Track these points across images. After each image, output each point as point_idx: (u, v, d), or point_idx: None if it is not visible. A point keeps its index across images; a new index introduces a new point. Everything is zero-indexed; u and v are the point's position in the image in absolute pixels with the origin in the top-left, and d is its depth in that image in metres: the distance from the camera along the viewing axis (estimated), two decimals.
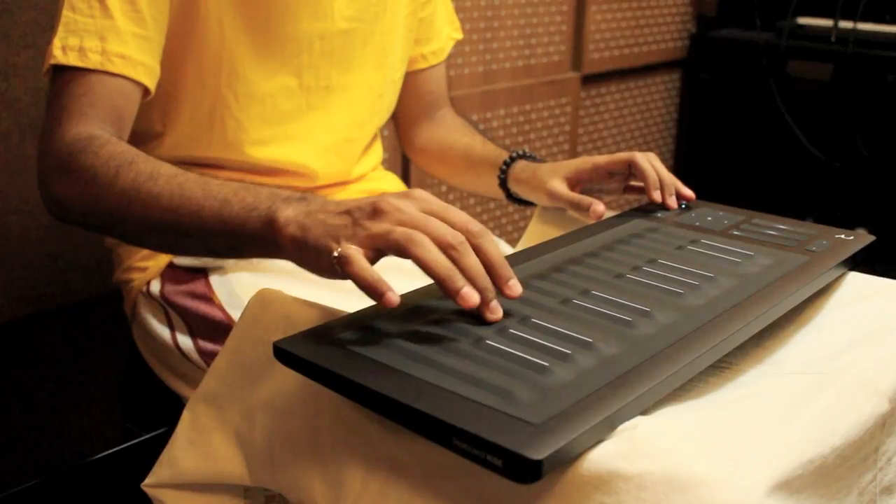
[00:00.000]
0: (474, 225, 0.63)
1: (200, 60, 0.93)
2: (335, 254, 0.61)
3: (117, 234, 0.81)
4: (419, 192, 0.64)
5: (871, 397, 0.59)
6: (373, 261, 0.61)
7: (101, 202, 0.76)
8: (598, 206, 0.91)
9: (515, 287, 0.63)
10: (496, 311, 0.62)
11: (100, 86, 0.82)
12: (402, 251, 0.60)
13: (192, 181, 0.74)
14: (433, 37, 1.16)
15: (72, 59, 0.82)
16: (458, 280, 0.59)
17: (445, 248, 0.60)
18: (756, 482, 0.49)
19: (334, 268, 0.61)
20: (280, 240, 0.66)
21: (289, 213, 0.65)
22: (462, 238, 0.61)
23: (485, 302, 0.61)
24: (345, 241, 0.61)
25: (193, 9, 0.90)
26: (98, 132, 0.80)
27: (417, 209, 0.62)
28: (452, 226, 0.62)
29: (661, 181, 0.92)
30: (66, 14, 0.83)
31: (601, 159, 0.95)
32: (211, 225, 0.71)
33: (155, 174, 0.75)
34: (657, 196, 0.91)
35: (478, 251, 0.62)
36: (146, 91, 0.87)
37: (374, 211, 0.62)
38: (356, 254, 0.60)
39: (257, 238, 0.68)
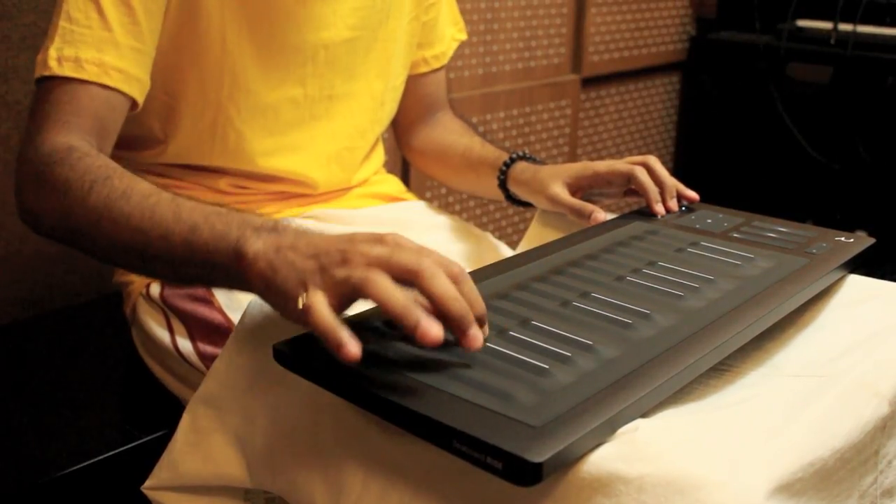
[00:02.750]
0: (452, 264, 0.58)
1: (202, 73, 0.93)
2: (299, 305, 0.57)
3: (86, 251, 0.77)
4: (391, 236, 0.60)
5: (872, 400, 0.59)
6: (339, 308, 0.58)
7: (71, 217, 0.74)
8: (599, 214, 0.91)
9: (485, 332, 0.57)
10: (475, 339, 0.56)
11: (85, 95, 0.80)
12: (361, 293, 0.56)
13: (165, 202, 0.70)
14: (436, 41, 1.15)
15: (67, 70, 0.80)
16: (413, 314, 0.54)
17: (411, 277, 0.56)
18: (756, 485, 0.49)
19: (300, 317, 0.58)
20: (248, 276, 0.62)
21: (258, 247, 0.62)
22: (430, 263, 0.57)
23: (461, 329, 0.56)
24: (312, 288, 0.58)
25: (194, 22, 0.90)
26: (78, 143, 0.78)
27: (386, 251, 0.58)
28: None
29: (662, 184, 0.92)
30: (62, 25, 0.81)
31: (601, 168, 0.95)
32: (180, 251, 0.68)
33: (128, 192, 0.71)
34: (659, 209, 0.91)
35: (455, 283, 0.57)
36: (134, 105, 0.86)
37: (344, 256, 0.58)
38: (319, 303, 0.56)
39: (225, 269, 0.65)
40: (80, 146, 0.77)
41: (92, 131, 0.80)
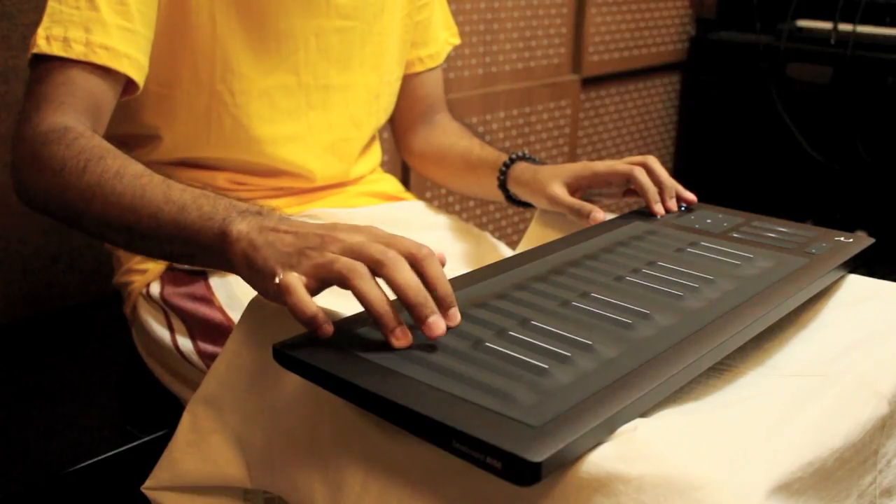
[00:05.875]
0: (420, 248, 0.62)
1: (194, 57, 0.93)
2: (276, 281, 0.61)
3: (78, 227, 0.80)
4: (368, 227, 0.64)
5: (871, 399, 0.60)
6: (315, 291, 0.61)
7: (65, 195, 0.76)
8: (598, 214, 0.91)
9: (454, 316, 0.61)
10: (434, 327, 0.59)
11: (81, 77, 0.82)
12: (343, 283, 0.60)
13: (156, 183, 0.73)
14: (430, 40, 1.16)
15: (55, 49, 0.82)
16: (392, 319, 0.59)
17: (375, 267, 0.60)
18: (755, 484, 0.49)
19: (276, 295, 0.61)
20: (230, 254, 0.65)
21: (242, 228, 0.65)
22: (394, 254, 0.60)
23: (420, 317, 0.59)
24: (289, 269, 0.61)
25: (183, 5, 0.90)
26: (73, 124, 0.80)
27: (360, 239, 0.62)
28: (398, 250, 0.61)
29: (661, 185, 0.93)
30: (51, 5, 0.83)
31: (601, 168, 0.95)
32: (167, 230, 0.71)
33: (121, 172, 0.74)
34: (659, 209, 0.91)
35: (422, 273, 0.61)
36: (134, 86, 0.86)
37: (323, 241, 0.62)
38: (296, 284, 0.60)
39: (209, 249, 0.68)
40: (75, 127, 0.79)
41: (86, 112, 0.82)
